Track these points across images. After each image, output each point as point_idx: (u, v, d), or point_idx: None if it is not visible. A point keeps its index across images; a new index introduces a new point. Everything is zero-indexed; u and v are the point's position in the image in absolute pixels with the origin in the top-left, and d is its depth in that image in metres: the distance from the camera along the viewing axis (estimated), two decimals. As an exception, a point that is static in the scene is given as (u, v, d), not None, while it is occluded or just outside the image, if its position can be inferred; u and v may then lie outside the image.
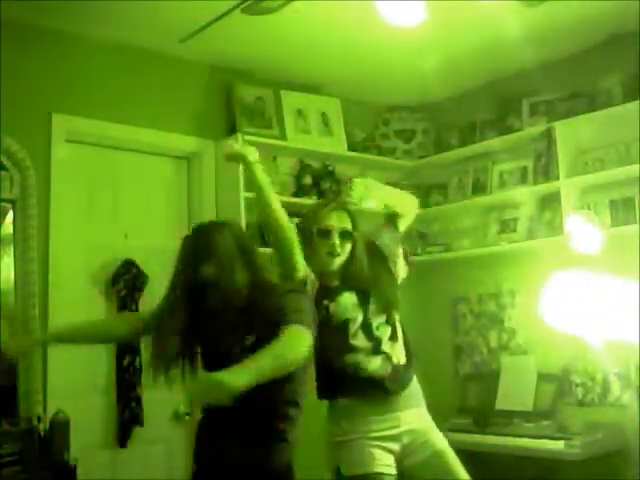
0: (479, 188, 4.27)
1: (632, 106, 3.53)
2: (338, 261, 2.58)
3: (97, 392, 3.47)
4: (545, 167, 3.92)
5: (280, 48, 3.75)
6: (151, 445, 3.54)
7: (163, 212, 3.82)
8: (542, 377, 3.86)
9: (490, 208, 4.25)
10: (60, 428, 2.97)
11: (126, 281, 3.54)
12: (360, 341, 2.53)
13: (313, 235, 2.60)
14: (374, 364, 2.52)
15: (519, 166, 4.11)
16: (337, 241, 2.58)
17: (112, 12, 3.27)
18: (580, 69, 3.88)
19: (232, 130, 3.90)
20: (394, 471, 2.48)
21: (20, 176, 3.27)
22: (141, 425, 3.48)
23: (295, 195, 4.09)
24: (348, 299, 2.57)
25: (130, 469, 3.42)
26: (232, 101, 3.96)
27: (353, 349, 2.52)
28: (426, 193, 4.56)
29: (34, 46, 3.37)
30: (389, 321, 2.61)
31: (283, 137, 4.05)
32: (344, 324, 2.55)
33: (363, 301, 2.58)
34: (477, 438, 3.63)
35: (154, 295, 3.52)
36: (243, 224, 3.70)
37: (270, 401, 2.24)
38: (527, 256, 4.00)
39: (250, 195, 3.77)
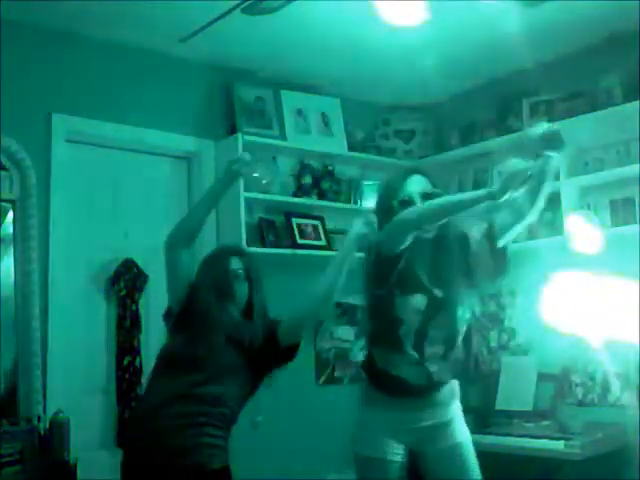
0: (479, 188, 4.24)
1: (632, 106, 3.52)
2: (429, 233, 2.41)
3: (97, 392, 3.47)
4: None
5: (280, 48, 3.75)
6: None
7: (163, 212, 3.81)
8: (542, 377, 3.86)
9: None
10: (60, 428, 2.97)
11: (126, 281, 3.54)
12: (408, 345, 2.40)
13: (395, 210, 2.41)
14: (412, 373, 2.41)
15: (519, 166, 4.11)
16: None
17: (112, 12, 3.27)
18: (580, 69, 3.87)
19: (232, 130, 3.90)
20: (400, 459, 2.46)
21: (20, 176, 3.27)
22: (141, 425, 3.48)
23: (295, 195, 4.09)
24: (417, 300, 2.40)
25: (130, 469, 3.41)
26: (232, 101, 3.96)
27: (399, 348, 2.40)
28: (426, 193, 4.55)
29: (34, 46, 3.37)
30: (450, 340, 2.43)
31: (283, 137, 4.05)
32: (399, 320, 2.40)
33: (433, 307, 2.39)
34: (477, 438, 3.60)
35: (154, 295, 3.55)
36: (243, 224, 3.70)
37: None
38: (527, 256, 4.00)
39: (250, 195, 3.80)
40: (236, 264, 2.54)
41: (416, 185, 2.47)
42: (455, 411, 2.56)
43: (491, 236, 2.47)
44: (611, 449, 3.47)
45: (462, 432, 2.55)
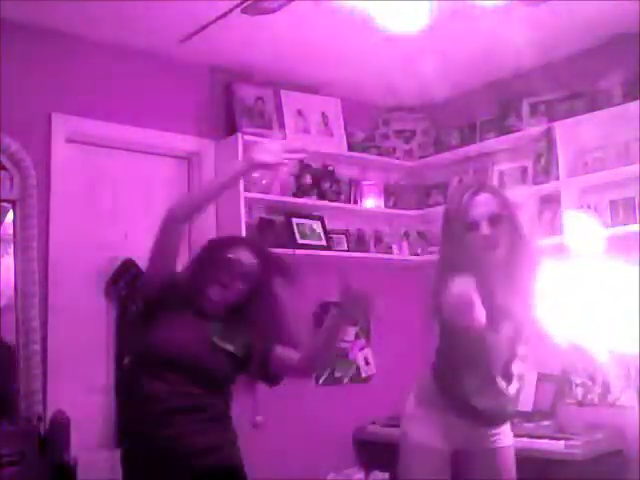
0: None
1: (632, 106, 3.52)
2: (499, 254, 2.24)
3: (97, 392, 3.47)
4: (545, 167, 3.91)
5: (280, 48, 3.75)
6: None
7: (163, 212, 3.81)
8: (542, 377, 3.85)
9: (490, 208, 4.25)
10: (60, 428, 2.97)
11: (126, 281, 3.54)
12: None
13: (463, 232, 2.23)
14: (494, 405, 2.36)
15: (519, 166, 4.11)
16: (487, 231, 2.21)
17: (112, 12, 3.27)
18: (580, 69, 3.87)
19: (232, 130, 3.90)
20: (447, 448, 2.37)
21: (20, 176, 3.27)
22: (141, 425, 3.48)
23: (295, 195, 4.09)
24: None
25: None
26: (232, 101, 3.96)
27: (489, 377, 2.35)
28: (426, 193, 4.56)
29: (34, 46, 3.37)
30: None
31: (283, 137, 4.05)
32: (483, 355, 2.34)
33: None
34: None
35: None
36: (243, 224, 3.70)
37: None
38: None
39: (250, 195, 3.80)
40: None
41: (484, 205, 2.24)
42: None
43: None
44: (611, 449, 3.47)
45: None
